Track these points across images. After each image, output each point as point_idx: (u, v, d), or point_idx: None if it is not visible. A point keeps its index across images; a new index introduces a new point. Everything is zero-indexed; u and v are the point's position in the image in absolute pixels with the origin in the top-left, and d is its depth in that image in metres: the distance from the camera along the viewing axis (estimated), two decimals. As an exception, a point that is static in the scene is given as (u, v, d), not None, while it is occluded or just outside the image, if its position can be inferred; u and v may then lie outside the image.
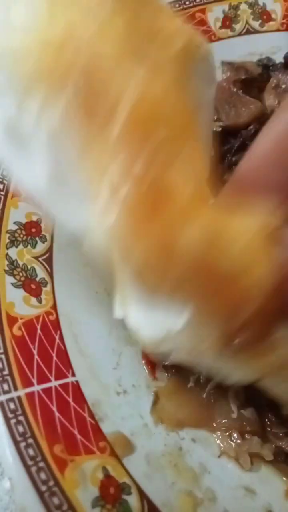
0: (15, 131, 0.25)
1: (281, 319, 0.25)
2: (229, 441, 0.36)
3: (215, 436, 0.37)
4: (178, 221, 0.22)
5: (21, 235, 0.38)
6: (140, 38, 0.26)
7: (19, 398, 0.32)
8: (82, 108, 0.23)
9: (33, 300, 0.37)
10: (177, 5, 0.52)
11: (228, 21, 0.54)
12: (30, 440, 0.31)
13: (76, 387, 0.35)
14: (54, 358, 0.35)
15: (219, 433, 0.37)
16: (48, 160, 0.25)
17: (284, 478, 0.36)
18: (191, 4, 0.53)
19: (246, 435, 0.37)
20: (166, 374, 0.38)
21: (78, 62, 0.23)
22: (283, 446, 0.36)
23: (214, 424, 0.37)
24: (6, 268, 0.37)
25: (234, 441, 0.36)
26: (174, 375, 0.39)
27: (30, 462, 0.30)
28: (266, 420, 0.37)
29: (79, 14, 0.25)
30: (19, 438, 0.31)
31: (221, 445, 0.36)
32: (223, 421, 0.37)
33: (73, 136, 0.23)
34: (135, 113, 0.23)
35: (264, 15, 0.55)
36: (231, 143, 0.49)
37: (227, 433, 0.37)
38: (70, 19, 0.24)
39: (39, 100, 0.23)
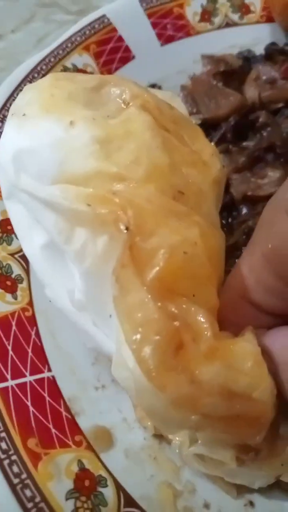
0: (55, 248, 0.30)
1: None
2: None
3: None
4: (202, 359, 0.26)
5: (-3, 233, 0.39)
6: (184, 162, 0.31)
7: (-8, 393, 0.32)
8: (126, 247, 0.27)
9: (8, 296, 0.37)
10: (154, 0, 0.52)
11: (207, 14, 0.54)
12: (3, 434, 0.31)
13: (52, 382, 0.35)
14: (30, 353, 0.35)
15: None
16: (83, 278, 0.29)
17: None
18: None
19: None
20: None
21: (127, 211, 0.27)
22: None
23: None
24: (-19, 265, 0.37)
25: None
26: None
27: (2, 456, 0.30)
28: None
29: (130, 156, 0.29)
30: (-9, 433, 0.31)
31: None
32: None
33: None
34: (170, 262, 0.26)
35: (243, 8, 0.55)
36: (211, 135, 0.49)
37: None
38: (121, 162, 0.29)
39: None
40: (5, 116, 0.42)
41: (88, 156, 0.29)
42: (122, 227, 0.27)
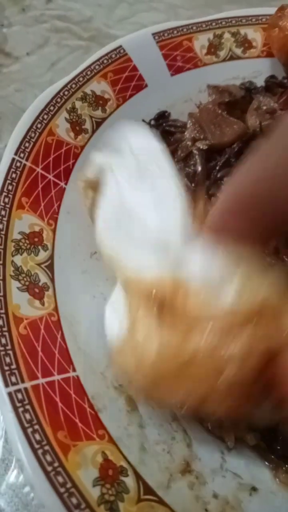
0: None
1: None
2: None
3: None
4: None
5: (25, 244, 0.42)
6: None
7: (25, 389, 0.35)
8: None
9: (37, 302, 0.40)
10: (165, 34, 0.57)
11: (213, 48, 0.59)
12: (36, 427, 0.34)
13: (77, 381, 0.38)
14: (57, 355, 0.38)
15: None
16: None
17: (266, 463, 0.40)
18: (179, 34, 0.58)
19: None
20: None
21: None
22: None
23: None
24: (12, 274, 0.40)
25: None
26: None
27: (36, 446, 0.33)
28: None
29: None
30: (26, 425, 0.34)
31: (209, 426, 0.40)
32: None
33: None
34: None
35: (246, 43, 0.60)
36: (216, 160, 0.53)
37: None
38: None
39: None
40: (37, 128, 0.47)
41: None
42: None
